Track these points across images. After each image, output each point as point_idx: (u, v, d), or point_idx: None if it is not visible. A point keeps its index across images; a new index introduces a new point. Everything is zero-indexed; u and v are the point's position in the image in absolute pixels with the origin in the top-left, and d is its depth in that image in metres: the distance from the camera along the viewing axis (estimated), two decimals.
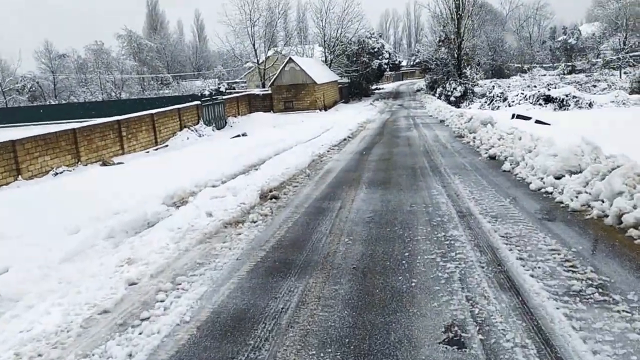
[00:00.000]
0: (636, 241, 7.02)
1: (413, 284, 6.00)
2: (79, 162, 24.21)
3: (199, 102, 36.19)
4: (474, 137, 18.96)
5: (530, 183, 10.97)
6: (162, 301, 5.70)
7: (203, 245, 7.83)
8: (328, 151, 18.52)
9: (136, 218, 9.59)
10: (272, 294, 5.93)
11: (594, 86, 46.72)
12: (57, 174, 21.87)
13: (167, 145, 31.19)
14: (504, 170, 12.90)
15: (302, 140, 22.53)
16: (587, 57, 61.98)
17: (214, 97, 38.81)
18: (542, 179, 11.10)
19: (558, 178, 10.60)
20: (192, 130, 34.37)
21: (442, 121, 27.85)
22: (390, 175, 13.24)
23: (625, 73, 53.90)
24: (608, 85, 47.00)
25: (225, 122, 39.26)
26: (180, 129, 33.86)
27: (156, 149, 29.84)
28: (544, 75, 61.68)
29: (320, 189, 11.88)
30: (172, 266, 6.90)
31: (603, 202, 8.60)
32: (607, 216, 8.14)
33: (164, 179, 14.09)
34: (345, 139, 22.01)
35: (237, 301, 5.75)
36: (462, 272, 6.29)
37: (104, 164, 25.11)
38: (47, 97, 62.71)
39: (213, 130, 36.03)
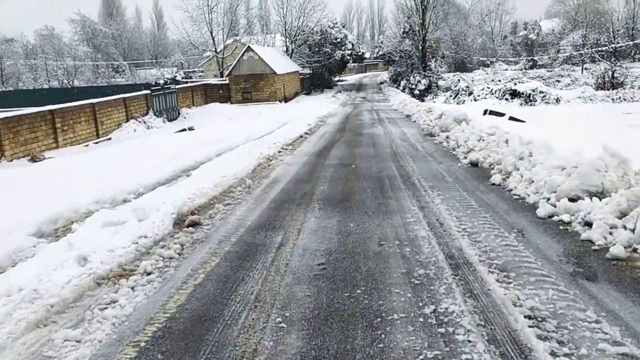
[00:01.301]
0: None
1: None
2: (3, 157, 20.33)
3: (148, 92, 32.41)
4: (447, 137, 16.03)
5: (536, 206, 7.99)
6: None
7: (33, 335, 4.52)
8: (280, 152, 15.27)
9: None
10: None
11: (558, 81, 44.69)
12: None
13: (110, 138, 27.44)
14: (494, 184, 9.93)
15: (253, 136, 19.24)
16: (548, 53, 60.21)
17: (165, 87, 35.06)
18: (548, 199, 8.17)
19: (573, 200, 7.68)
20: (139, 122, 30.59)
21: (408, 116, 24.91)
22: (351, 188, 10.11)
23: (586, 69, 52.29)
24: (571, 80, 45.03)
25: (179, 114, 35.55)
26: (127, 120, 30.04)
27: (97, 142, 26.08)
28: (506, 69, 59.69)
29: (259, 210, 8.64)
30: None
31: None
32: None
33: (72, 186, 10.64)
34: (301, 136, 18.78)
35: None
36: None
37: (33, 159, 21.29)
38: None
39: (164, 122, 32.29)
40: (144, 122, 30.49)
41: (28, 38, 59.88)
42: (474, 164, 11.97)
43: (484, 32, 70.22)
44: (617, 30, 43.93)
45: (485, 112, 23.17)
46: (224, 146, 16.71)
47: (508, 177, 10.19)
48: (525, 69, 58.42)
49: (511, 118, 21.69)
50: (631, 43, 43.28)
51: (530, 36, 65.22)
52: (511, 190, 9.31)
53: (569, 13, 65.48)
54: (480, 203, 8.55)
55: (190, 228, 7.65)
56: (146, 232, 7.15)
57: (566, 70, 51.68)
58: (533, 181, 9.30)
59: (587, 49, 48.81)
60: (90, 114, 26.53)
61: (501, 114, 22.47)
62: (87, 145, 24.84)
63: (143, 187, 10.76)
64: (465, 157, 12.80)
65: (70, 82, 56.87)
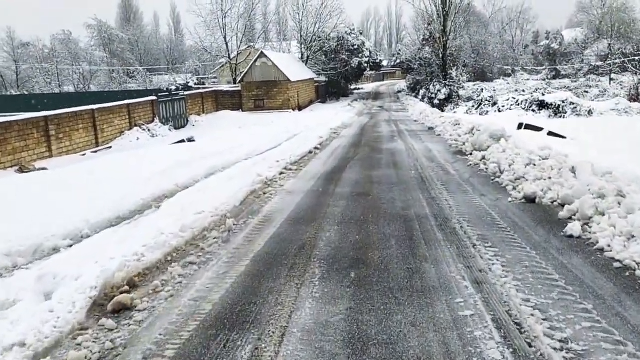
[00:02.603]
0: None
1: None
2: None
3: (154, 98, 29.79)
4: (484, 158, 12.85)
5: None
6: None
7: None
8: (282, 173, 12.24)
9: None
10: None
11: (586, 92, 41.01)
12: None
13: (110, 147, 24.87)
14: (571, 236, 6.78)
15: (257, 150, 16.34)
16: (572, 63, 56.40)
17: (173, 93, 32.39)
18: None
19: None
20: (143, 130, 27.95)
21: (431, 129, 21.75)
22: (368, 237, 7.02)
23: (612, 79, 48.50)
24: (600, 91, 41.31)
25: (187, 121, 32.89)
26: (130, 128, 27.46)
27: (95, 151, 23.45)
28: (528, 79, 56.01)
29: (230, 280, 5.59)
30: None
31: None
32: None
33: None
34: (311, 152, 15.74)
35: None
36: None
37: (21, 169, 18.67)
38: (8, 88, 55.29)
39: (170, 129, 29.60)
40: (149, 130, 27.86)
41: (45, 42, 57.75)
42: (530, 200, 8.81)
43: (505, 41, 66.51)
44: None
45: (520, 126, 19.88)
46: (219, 163, 13.78)
47: (589, 224, 7.05)
48: (548, 79, 54.68)
49: (550, 133, 18.41)
50: None
51: (552, 46, 61.39)
52: (603, 249, 6.16)
53: (592, 23, 61.59)
54: (567, 275, 5.41)
55: (111, 321, 4.62)
56: (27, 335, 4.16)
57: (592, 80, 47.88)
58: (634, 236, 6.17)
59: (617, 58, 45.07)
60: (89, 120, 24.01)
61: (539, 129, 19.18)
62: (84, 155, 22.23)
63: (89, 227, 7.80)
64: (515, 188, 9.65)
65: (86, 87, 54.72)
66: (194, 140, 20.97)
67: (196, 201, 8.93)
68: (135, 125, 27.64)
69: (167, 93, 31.44)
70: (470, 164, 12.76)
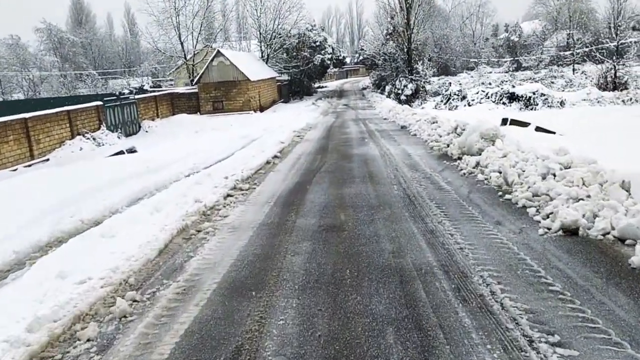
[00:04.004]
0: None
1: None
2: None
3: (100, 103, 26.17)
4: (479, 165, 10.12)
5: None
6: None
7: None
8: (228, 195, 9.18)
9: None
10: None
11: (552, 83, 39.15)
12: None
13: (47, 159, 21.24)
14: None
15: (205, 162, 13.28)
16: (534, 54, 54.83)
17: (123, 97, 28.76)
18: None
19: None
20: (88, 139, 24.30)
21: (404, 127, 18.99)
22: (347, 323, 4.07)
23: (575, 70, 46.99)
24: (566, 81, 39.51)
25: (139, 127, 29.32)
26: (72, 137, 23.79)
27: (30, 165, 19.81)
28: (490, 72, 54.18)
29: None
30: None
31: None
32: None
33: None
34: (269, 162, 12.71)
35: None
36: None
37: None
38: None
39: (119, 137, 26.01)
40: (94, 139, 24.23)
41: None
42: (570, 231, 6.04)
43: (466, 35, 64.65)
44: (618, 26, 38.54)
45: (504, 122, 17.29)
46: (152, 183, 10.67)
47: None
48: (511, 71, 52.98)
49: (538, 128, 15.90)
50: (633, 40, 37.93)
51: (512, 38, 59.79)
52: None
53: (550, 14, 60.29)
54: None
55: None
56: None
57: (554, 71, 46.23)
58: None
59: (580, 48, 43.47)
60: (22, 131, 20.33)
61: (526, 124, 16.62)
62: (15, 170, 18.62)
63: None
64: (539, 211, 6.89)
65: (37, 94, 50.14)
66: (135, 151, 17.62)
67: (91, 254, 5.85)
68: (79, 134, 24.06)
69: (114, 97, 27.85)
70: (464, 173, 9.98)
